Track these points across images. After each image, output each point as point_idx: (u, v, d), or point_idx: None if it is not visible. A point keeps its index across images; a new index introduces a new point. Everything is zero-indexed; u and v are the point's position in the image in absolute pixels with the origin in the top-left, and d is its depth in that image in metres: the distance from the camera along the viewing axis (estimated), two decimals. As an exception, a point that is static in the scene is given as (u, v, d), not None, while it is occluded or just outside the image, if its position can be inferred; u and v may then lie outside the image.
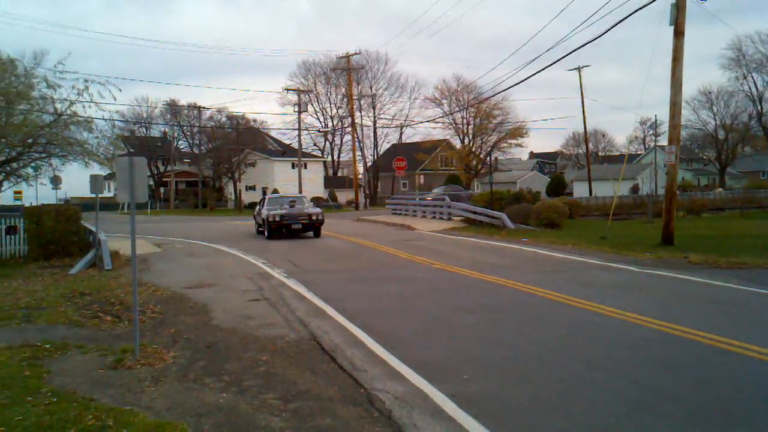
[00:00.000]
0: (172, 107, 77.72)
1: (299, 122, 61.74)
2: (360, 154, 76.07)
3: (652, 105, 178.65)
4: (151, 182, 77.42)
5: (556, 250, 21.28)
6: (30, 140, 25.33)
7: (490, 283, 14.89)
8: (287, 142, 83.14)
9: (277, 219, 26.93)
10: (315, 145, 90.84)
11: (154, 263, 19.61)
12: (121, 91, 26.10)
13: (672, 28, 21.62)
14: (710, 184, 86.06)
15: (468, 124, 71.79)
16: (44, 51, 26.29)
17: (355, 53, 66.54)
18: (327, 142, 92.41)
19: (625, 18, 22.62)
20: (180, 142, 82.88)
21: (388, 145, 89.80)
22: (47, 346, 9.45)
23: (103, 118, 28.51)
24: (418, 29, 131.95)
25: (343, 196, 77.01)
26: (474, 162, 71.58)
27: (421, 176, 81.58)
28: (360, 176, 74.09)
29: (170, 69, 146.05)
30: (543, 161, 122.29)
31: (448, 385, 7.41)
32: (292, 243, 25.08)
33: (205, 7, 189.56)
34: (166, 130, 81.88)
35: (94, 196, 21.75)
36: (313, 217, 27.50)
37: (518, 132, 69.81)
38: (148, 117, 79.67)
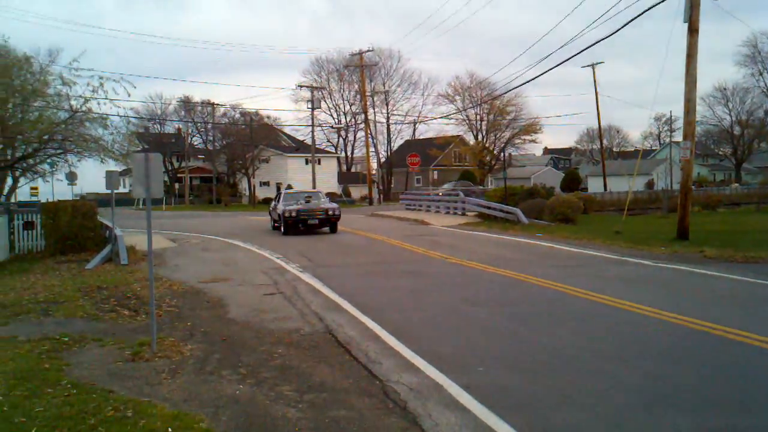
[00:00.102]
0: (186, 104, 77.99)
1: (312, 118, 61.82)
2: (373, 150, 76.13)
3: (666, 101, 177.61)
4: (166, 178, 77.81)
5: (571, 244, 21.25)
6: (46, 137, 25.56)
7: (505, 277, 14.90)
8: (301, 138, 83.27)
9: (294, 214, 26.69)
10: (328, 141, 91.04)
11: (169, 258, 19.73)
12: (135, 87, 26.53)
13: (686, 25, 21.51)
14: (726, 180, 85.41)
15: (481, 121, 71.68)
16: (59, 48, 26.62)
17: (368, 50, 66.50)
18: (340, 138, 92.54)
19: (640, 15, 22.57)
20: (194, 139, 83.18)
21: (401, 141, 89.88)
22: (66, 339, 9.56)
23: (118, 115, 28.88)
24: (431, 26, 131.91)
25: (357, 191, 77.09)
26: (488, 158, 71.47)
27: (435, 172, 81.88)
28: (373, 172, 74.13)
29: (184, 66, 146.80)
30: (557, 157, 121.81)
31: (462, 377, 7.45)
32: (307, 238, 25.15)
33: (220, 4, 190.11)
34: (180, 126, 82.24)
35: (109, 192, 21.94)
36: (330, 213, 27.28)
37: (532, 128, 69.65)
38: (162, 113, 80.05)
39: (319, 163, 67.39)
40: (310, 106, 59.91)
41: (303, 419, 6.39)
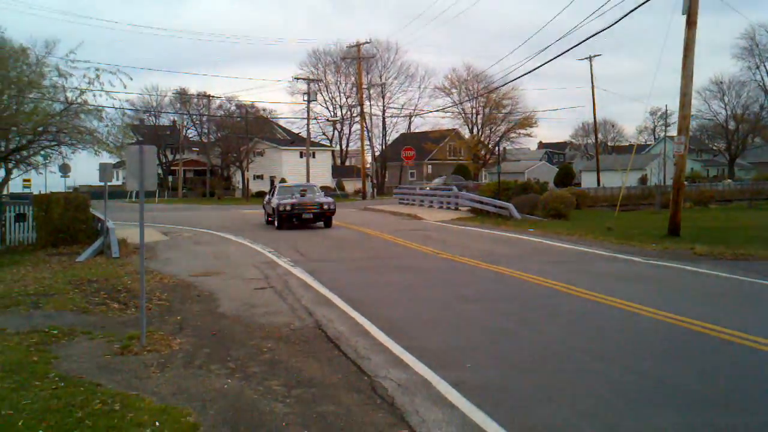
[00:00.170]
0: (182, 96, 77.83)
1: (308, 111, 61.78)
2: (368, 143, 76.09)
3: (662, 95, 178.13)
4: (160, 171, 77.63)
5: (562, 240, 21.30)
6: (40, 128, 25.46)
7: (496, 272, 14.94)
8: (296, 131, 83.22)
9: (288, 208, 26.34)
10: (323, 134, 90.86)
11: (161, 251, 19.72)
12: (132, 79, 26.23)
13: (684, 17, 21.52)
14: (719, 175, 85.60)
15: (477, 114, 71.75)
16: (56, 40, 26.36)
17: (366, 42, 66.39)
18: (335, 132, 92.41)
19: (638, 7, 22.51)
20: (189, 131, 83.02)
21: (396, 135, 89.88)
22: (55, 332, 9.55)
23: (113, 107, 28.71)
24: (429, 18, 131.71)
25: (351, 185, 77.06)
26: (482, 152, 71.53)
27: (429, 166, 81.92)
28: (368, 166, 74.10)
29: (181, 58, 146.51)
30: (552, 151, 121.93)
31: (450, 373, 7.47)
32: (299, 232, 25.13)
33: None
34: (176, 118, 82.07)
35: (102, 184, 21.89)
36: (325, 207, 26.89)
37: (527, 122, 69.73)
38: (157, 106, 79.85)
39: (314, 157, 67.27)
40: (306, 98, 59.86)
41: (291, 414, 6.41)
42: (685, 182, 28.35)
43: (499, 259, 16.89)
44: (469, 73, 72.80)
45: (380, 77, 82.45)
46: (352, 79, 79.08)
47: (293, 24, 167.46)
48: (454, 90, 73.00)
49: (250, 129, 69.91)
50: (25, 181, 45.49)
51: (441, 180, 59.53)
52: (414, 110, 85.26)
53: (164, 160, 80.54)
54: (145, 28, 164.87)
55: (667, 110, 74.22)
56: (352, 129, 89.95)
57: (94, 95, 25.42)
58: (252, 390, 7.12)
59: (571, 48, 35.37)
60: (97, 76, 24.86)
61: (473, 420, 6.16)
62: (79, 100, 25.39)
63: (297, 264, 16.60)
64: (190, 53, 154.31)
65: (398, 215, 35.50)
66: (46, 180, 43.21)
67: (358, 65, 68.81)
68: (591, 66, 61.59)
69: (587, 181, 73.63)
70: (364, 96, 72.21)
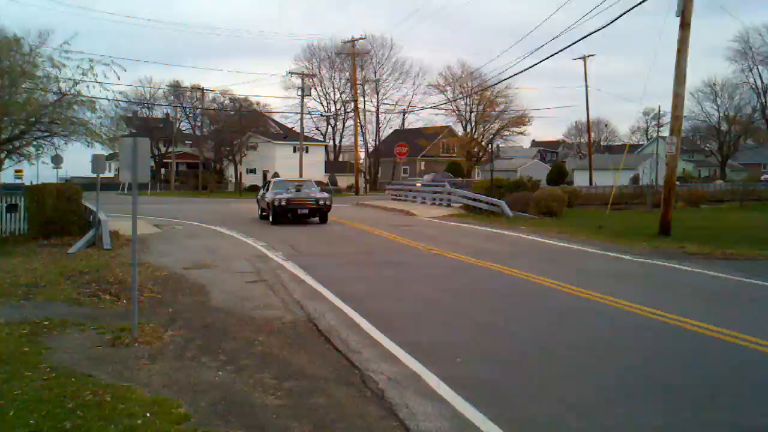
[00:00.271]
0: (176, 89, 77.66)
1: (302, 106, 61.77)
2: (362, 139, 76.05)
3: (656, 95, 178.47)
4: (152, 163, 77.44)
5: (554, 238, 21.38)
6: (33, 119, 25.34)
7: (487, 269, 15.01)
8: (289, 125, 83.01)
9: (283, 203, 25.86)
10: (317, 129, 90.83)
11: (153, 244, 19.71)
12: (125, 71, 26.03)
13: (678, 19, 21.60)
14: (711, 176, 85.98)
15: (471, 112, 71.83)
16: (50, 30, 26.22)
17: (360, 38, 66.40)
18: (329, 127, 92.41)
19: (633, 8, 22.52)
20: (182, 124, 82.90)
21: (390, 131, 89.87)
22: (46, 323, 9.54)
23: (107, 99, 28.54)
24: (425, 14, 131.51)
25: (344, 180, 77.05)
26: (476, 149, 71.60)
27: (422, 163, 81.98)
28: (361, 161, 74.11)
29: (175, 50, 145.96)
30: (545, 150, 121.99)
31: (441, 368, 7.52)
32: (291, 227, 25.10)
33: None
34: (169, 111, 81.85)
35: (94, 175, 21.84)
36: (321, 202, 26.44)
37: (521, 120, 69.90)
38: (151, 98, 79.63)
39: (307, 152, 67.24)
40: (300, 93, 59.79)
41: (282, 406, 6.45)
42: (677, 182, 28.52)
43: (491, 255, 16.95)
44: (463, 70, 72.93)
45: (375, 73, 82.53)
46: (347, 74, 79.10)
47: (288, 18, 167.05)
48: (448, 87, 73.11)
49: (244, 123, 69.82)
50: (16, 171, 45.34)
51: (430, 176, 59.60)
52: (408, 107, 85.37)
53: (157, 153, 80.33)
54: (140, 20, 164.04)
55: (660, 111, 74.38)
56: (346, 124, 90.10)
57: (88, 86, 25.31)
58: (243, 382, 7.15)
59: (566, 47, 35.48)
60: (91, 68, 24.74)
61: (463, 414, 6.21)
62: (72, 91, 25.28)
63: (289, 258, 16.62)
64: (184, 46, 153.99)
65: (391, 211, 35.54)
66: (38, 171, 43.01)
67: (352, 61, 68.76)
68: (585, 65, 61.79)
69: (580, 179, 73.75)
70: (359, 92, 72.23)
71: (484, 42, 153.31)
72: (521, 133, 73.62)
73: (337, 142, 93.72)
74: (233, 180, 74.80)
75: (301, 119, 62.60)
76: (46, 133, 27.18)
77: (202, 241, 20.93)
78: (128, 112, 74.24)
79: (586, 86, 62.83)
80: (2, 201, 22.02)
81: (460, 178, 56.35)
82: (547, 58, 51.17)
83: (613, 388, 7.02)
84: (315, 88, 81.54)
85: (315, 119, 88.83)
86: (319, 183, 60.87)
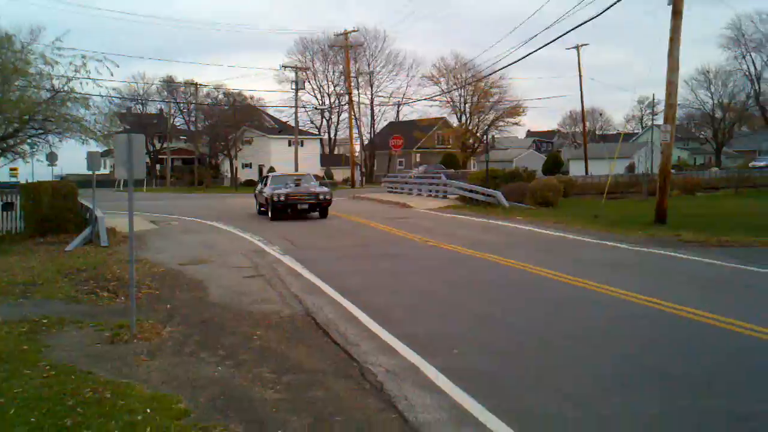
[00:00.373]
0: (169, 84, 77.44)
1: (296, 100, 61.62)
2: (357, 132, 75.98)
3: (650, 84, 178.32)
4: (148, 159, 77.27)
5: (550, 228, 21.43)
6: (27, 117, 25.26)
7: (483, 260, 15.05)
8: (284, 119, 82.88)
9: (282, 199, 25.32)
10: (312, 122, 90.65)
11: (150, 240, 19.71)
12: (118, 67, 25.87)
13: (670, 7, 21.61)
14: (706, 164, 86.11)
15: (465, 103, 71.76)
16: (41, 27, 26.14)
17: (353, 30, 66.24)
18: (324, 120, 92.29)
19: (622, -3, 22.56)
20: (176, 120, 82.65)
21: (384, 123, 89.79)
22: (44, 321, 9.56)
23: (100, 95, 28.47)
24: (417, 5, 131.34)
25: (340, 173, 77.00)
26: (471, 140, 71.59)
27: (418, 155, 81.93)
28: (356, 154, 74.07)
29: (168, 46, 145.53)
30: (540, 140, 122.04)
31: (439, 359, 7.56)
32: (288, 221, 25.06)
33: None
34: (163, 107, 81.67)
35: (89, 173, 21.83)
36: (321, 197, 25.94)
37: (515, 110, 69.90)
38: (144, 94, 79.45)
39: (302, 145, 67.12)
40: (294, 86, 59.70)
41: (281, 400, 6.48)
42: (672, 170, 28.55)
43: (487, 246, 16.99)
44: (457, 61, 72.84)
45: (368, 65, 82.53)
46: (340, 67, 79.01)
47: (280, 11, 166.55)
48: (442, 79, 73.03)
49: (238, 117, 69.63)
50: (11, 169, 45.21)
51: (422, 169, 59.77)
52: (402, 99, 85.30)
53: (152, 149, 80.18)
54: (132, 15, 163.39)
55: (654, 99, 74.63)
56: (341, 117, 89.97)
57: (81, 83, 25.21)
58: (242, 377, 7.19)
59: (559, 37, 35.40)
60: (84, 64, 24.64)
61: (461, 405, 6.25)
62: (65, 88, 25.20)
63: (286, 252, 16.64)
64: (177, 41, 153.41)
65: (387, 203, 35.56)
66: (33, 169, 42.90)
67: (345, 53, 68.61)
68: (579, 55, 61.79)
69: (575, 169, 73.83)
70: (352, 84, 72.15)
71: (478, 32, 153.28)
72: (516, 123, 73.67)
73: (332, 135, 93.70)
74: (229, 175, 74.67)
75: (296, 113, 62.52)
76: (40, 131, 27.10)
77: (199, 236, 20.94)
78: (122, 109, 74.00)
79: (580, 76, 62.91)
80: (-2, 199, 21.98)
81: (452, 170, 56.39)
82: (541, 47, 51.29)
83: (610, 377, 7.07)
84: (309, 82, 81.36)
85: (309, 113, 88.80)
86: (315, 176, 61.06)
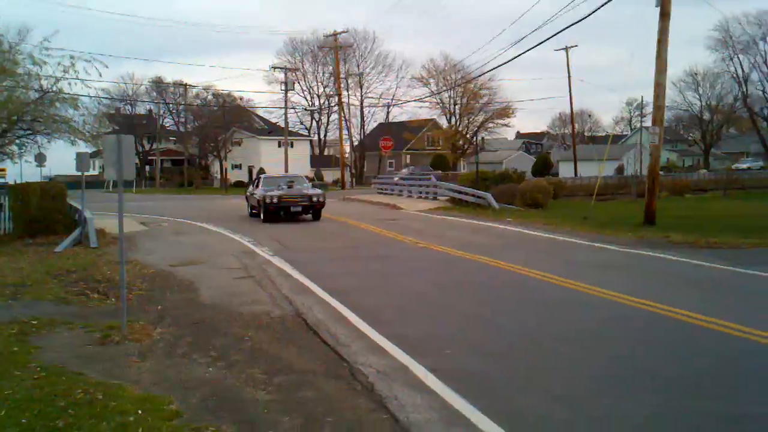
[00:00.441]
0: (158, 85, 77.18)
1: (286, 101, 61.59)
2: (346, 133, 76.01)
3: (639, 85, 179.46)
4: (137, 160, 76.98)
5: (540, 229, 21.51)
6: (15, 117, 25.15)
7: (473, 261, 15.09)
8: (274, 120, 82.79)
9: (275, 201, 24.95)
10: (301, 123, 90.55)
11: (140, 241, 19.67)
12: (107, 67, 25.86)
13: (658, 9, 21.73)
14: (695, 165, 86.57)
15: (455, 104, 71.84)
16: (29, 27, 26.00)
17: (343, 31, 66.30)
18: (314, 121, 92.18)
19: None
20: (166, 120, 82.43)
21: (374, 125, 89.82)
22: (34, 322, 9.54)
23: (89, 96, 28.33)
24: (406, 7, 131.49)
25: (330, 175, 76.93)
26: (461, 142, 71.70)
27: (408, 156, 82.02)
28: (346, 155, 74.07)
29: (157, 46, 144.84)
30: (529, 141, 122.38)
31: (429, 360, 7.59)
32: (278, 223, 25.03)
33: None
34: (152, 107, 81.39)
35: (78, 173, 21.75)
36: (314, 199, 25.58)
37: (505, 112, 70.01)
38: (133, 94, 79.17)
39: (292, 146, 67.07)
40: (283, 88, 59.65)
41: (272, 401, 6.50)
42: (661, 172, 28.72)
43: (477, 248, 17.04)
44: (446, 63, 72.87)
45: (358, 67, 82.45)
46: (330, 68, 78.98)
47: (269, 12, 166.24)
48: (431, 80, 73.07)
49: (228, 118, 69.52)
50: (0, 170, 44.98)
51: (408, 170, 59.91)
52: (392, 100, 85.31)
53: (141, 150, 79.92)
54: (121, 16, 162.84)
55: (642, 101, 74.80)
56: (331, 119, 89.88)
57: (69, 84, 25.11)
58: (233, 378, 7.20)
59: (548, 39, 35.66)
60: (72, 64, 24.54)
61: (452, 405, 6.28)
62: (54, 89, 25.11)
63: (276, 254, 16.65)
64: (166, 42, 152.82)
65: (377, 205, 35.60)
66: (21, 169, 42.71)
67: (335, 54, 68.58)
68: (567, 56, 61.93)
69: (565, 170, 74.03)
70: (342, 85, 72.14)
71: (467, 33, 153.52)
72: (506, 125, 73.83)
73: (322, 136, 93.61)
74: (218, 176, 74.53)
75: (285, 114, 62.53)
76: (28, 132, 26.98)
77: (189, 238, 20.92)
78: (111, 109, 73.69)
79: (569, 77, 63.05)
80: (-14, 200, 21.86)
81: (439, 171, 56.48)
82: (529, 50, 51.40)
83: (601, 379, 7.10)
84: (298, 83, 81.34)
85: (299, 114, 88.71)
86: (306, 178, 60.96)
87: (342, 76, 72.26)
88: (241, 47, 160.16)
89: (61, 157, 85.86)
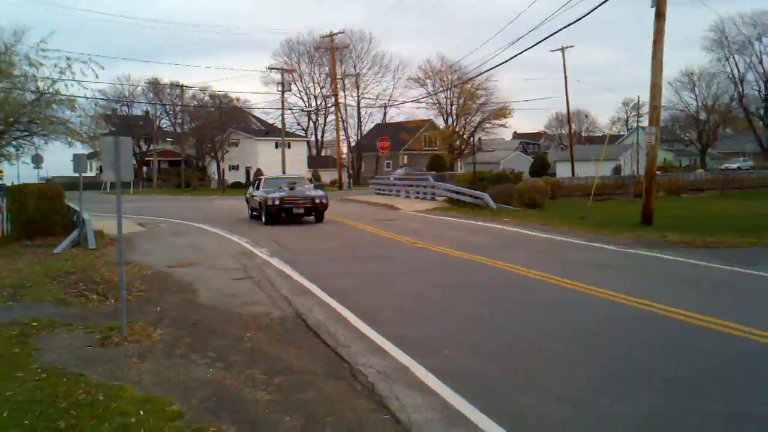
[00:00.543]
0: (155, 86, 77.13)
1: (282, 101, 61.55)
2: (344, 133, 76.02)
3: (636, 85, 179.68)
4: (134, 162, 76.89)
5: (537, 229, 21.55)
6: (12, 119, 25.13)
7: (472, 262, 15.12)
8: (271, 121, 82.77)
9: (277, 203, 24.59)
10: (299, 124, 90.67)
11: (138, 242, 19.67)
12: (104, 68, 25.80)
13: (654, 9, 21.79)
14: (691, 165, 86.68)
15: (452, 105, 71.83)
16: (25, 28, 25.94)
17: (339, 32, 66.32)
18: (311, 122, 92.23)
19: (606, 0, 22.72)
20: (162, 121, 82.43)
21: (371, 125, 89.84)
22: (34, 323, 9.55)
23: (86, 97, 28.28)
24: (403, 7, 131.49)
25: (327, 176, 76.96)
26: (458, 142, 71.72)
27: (405, 156, 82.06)
28: (344, 156, 74.08)
29: (153, 47, 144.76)
30: (526, 142, 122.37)
31: (429, 360, 7.61)
32: (276, 224, 25.03)
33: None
34: (149, 109, 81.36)
35: (75, 175, 21.72)
36: (317, 201, 25.21)
37: (502, 112, 69.96)
38: (130, 95, 79.09)
39: (289, 147, 67.03)
40: (280, 88, 59.62)
41: (272, 402, 6.52)
42: (658, 172, 28.80)
43: (475, 248, 17.06)
44: (443, 63, 72.87)
45: (354, 67, 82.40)
46: (326, 69, 78.89)
47: (265, 13, 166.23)
48: (428, 80, 73.05)
49: (225, 119, 69.48)
50: (-4, 172, 44.87)
51: (402, 171, 60.01)
52: (389, 101, 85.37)
53: (138, 151, 79.83)
54: (117, 17, 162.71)
55: (639, 101, 74.98)
56: (327, 119, 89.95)
57: (66, 85, 25.11)
58: (233, 378, 7.21)
59: (544, 39, 35.60)
60: (69, 66, 24.52)
61: (453, 405, 6.30)
62: (51, 90, 25.09)
63: (274, 254, 16.66)
64: (163, 43, 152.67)
65: (375, 205, 35.63)
66: (18, 171, 42.67)
67: (332, 55, 68.62)
68: (564, 57, 61.99)
69: (562, 171, 74.05)
70: (339, 86, 72.16)
71: (464, 34, 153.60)
72: (503, 125, 73.77)
73: (319, 137, 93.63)
74: (216, 177, 74.50)
75: (282, 115, 62.50)
76: (25, 133, 26.96)
77: (187, 238, 20.92)
78: (107, 110, 73.65)
79: (566, 77, 63.19)
80: (-16, 202, 21.83)
81: (433, 172, 56.53)
82: (526, 50, 51.59)
83: (601, 378, 7.12)
84: (295, 83, 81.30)
85: (296, 115, 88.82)
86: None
87: (339, 76, 72.32)
88: (238, 48, 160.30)
89: (58, 159, 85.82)
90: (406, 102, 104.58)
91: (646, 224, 21.86)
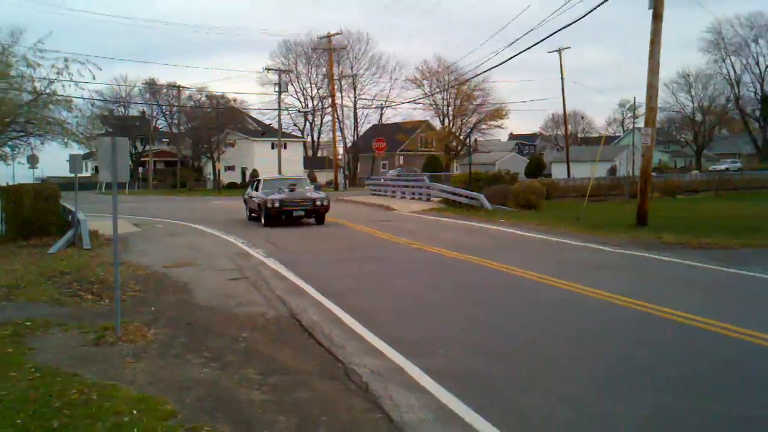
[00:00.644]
0: (151, 86, 77.10)
1: (279, 102, 61.58)
2: (340, 134, 76.02)
3: (632, 86, 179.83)
4: (130, 162, 76.75)
5: (533, 230, 21.56)
6: (8, 119, 25.09)
7: (467, 262, 15.13)
8: (267, 122, 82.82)
9: (277, 205, 24.01)
10: (295, 125, 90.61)
11: (133, 243, 19.65)
12: (101, 69, 25.73)
13: (651, 11, 21.82)
14: (687, 166, 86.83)
15: (448, 106, 71.81)
16: (22, 29, 25.91)
17: (337, 33, 66.34)
18: (307, 123, 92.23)
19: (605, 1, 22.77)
20: (159, 122, 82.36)
21: (368, 126, 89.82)
22: (28, 323, 9.53)
23: (82, 98, 28.21)
24: (400, 9, 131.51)
25: (323, 176, 76.93)
26: (454, 143, 71.74)
27: (401, 157, 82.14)
28: (340, 157, 74.08)
29: (150, 48, 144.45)
30: (522, 143, 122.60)
31: (424, 361, 7.61)
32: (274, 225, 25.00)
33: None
34: (145, 109, 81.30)
35: (71, 175, 21.70)
36: (318, 203, 24.71)
37: (498, 113, 69.97)
38: (127, 96, 79.03)
39: (286, 148, 67.00)
40: (277, 89, 59.63)
41: (267, 401, 6.51)
42: (653, 173, 28.84)
43: (471, 249, 17.07)
44: (440, 64, 72.81)
45: (351, 68, 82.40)
46: (323, 69, 78.94)
47: (262, 14, 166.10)
48: (425, 82, 73.02)
49: (221, 120, 69.47)
50: (-9, 172, 44.74)
51: (395, 172, 60.17)
52: (385, 102, 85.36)
53: (134, 151, 79.76)
54: (114, 18, 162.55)
55: (635, 102, 75.08)
56: (324, 120, 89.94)
57: (63, 86, 25.08)
58: (228, 378, 7.21)
59: (541, 41, 35.70)
60: (66, 66, 24.49)
61: (447, 405, 6.30)
62: (47, 91, 25.05)
63: (270, 255, 16.65)
64: (160, 43, 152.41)
65: (371, 206, 35.64)
66: (13, 171, 42.57)
67: (329, 56, 68.65)
68: (560, 58, 62.17)
69: (557, 171, 74.18)
70: (336, 87, 72.15)
71: (461, 35, 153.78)
72: (499, 126, 73.77)
73: (315, 138, 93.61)
74: (212, 177, 74.45)
75: (279, 115, 62.52)
76: (21, 133, 26.91)
77: (183, 239, 20.90)
78: (104, 111, 73.57)
79: (562, 79, 63.29)
80: (-22, 202, 21.79)
81: (427, 172, 56.54)
82: (522, 51, 51.60)
83: (601, 379, 7.09)
84: (292, 84, 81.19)
85: (293, 115, 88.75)
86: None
87: (335, 77, 72.33)
88: (235, 49, 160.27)
89: (53, 159, 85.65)
90: (403, 103, 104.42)
91: (642, 225, 21.88)
